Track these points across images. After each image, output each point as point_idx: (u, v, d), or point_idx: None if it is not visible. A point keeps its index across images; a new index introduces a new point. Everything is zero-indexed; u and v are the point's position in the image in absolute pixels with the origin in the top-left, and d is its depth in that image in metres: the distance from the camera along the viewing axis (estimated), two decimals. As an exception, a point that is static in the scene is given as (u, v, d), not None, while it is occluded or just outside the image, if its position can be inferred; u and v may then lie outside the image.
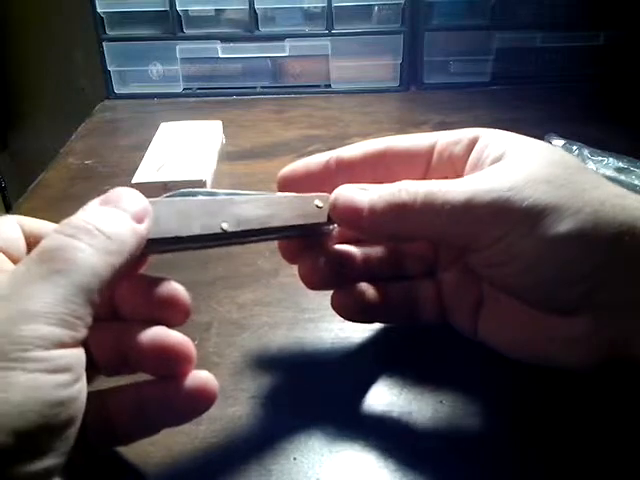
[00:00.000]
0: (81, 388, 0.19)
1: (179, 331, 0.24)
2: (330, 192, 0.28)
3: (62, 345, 0.18)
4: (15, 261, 0.23)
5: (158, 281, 0.24)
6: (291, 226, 0.27)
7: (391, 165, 0.30)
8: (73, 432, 0.19)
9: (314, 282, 0.30)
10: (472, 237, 0.26)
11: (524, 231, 0.25)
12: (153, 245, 0.23)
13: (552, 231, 0.24)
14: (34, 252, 0.20)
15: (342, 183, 0.29)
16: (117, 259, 0.20)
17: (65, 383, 0.18)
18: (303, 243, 0.30)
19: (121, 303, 0.25)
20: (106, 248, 0.20)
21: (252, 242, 0.27)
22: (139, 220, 0.22)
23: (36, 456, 0.18)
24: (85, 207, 0.22)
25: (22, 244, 0.24)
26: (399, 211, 0.26)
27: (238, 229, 0.26)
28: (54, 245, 0.20)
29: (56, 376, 0.18)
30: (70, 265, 0.19)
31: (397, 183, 0.27)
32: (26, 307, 0.18)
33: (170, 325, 0.24)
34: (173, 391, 0.23)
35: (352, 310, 0.31)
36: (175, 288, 0.24)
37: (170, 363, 0.23)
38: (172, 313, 0.24)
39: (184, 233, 0.24)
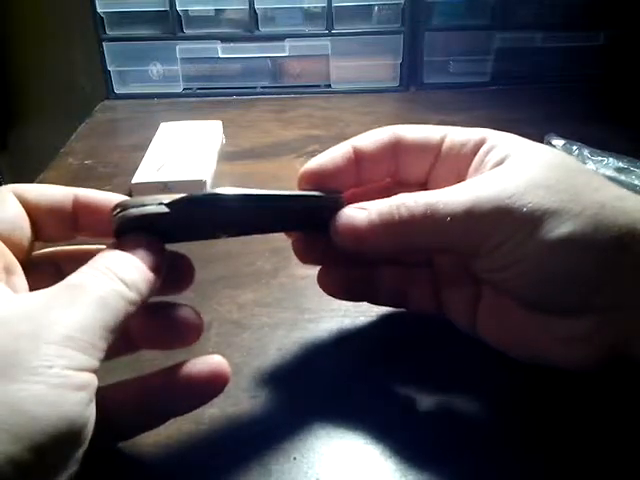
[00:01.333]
0: (93, 409, 0.20)
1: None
2: (350, 184, 0.29)
3: (81, 369, 0.19)
4: (17, 245, 0.23)
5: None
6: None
7: (401, 157, 0.30)
8: (82, 452, 0.19)
9: (306, 257, 0.30)
10: (475, 245, 0.26)
11: (525, 236, 0.25)
12: None
13: (553, 235, 0.24)
14: (62, 283, 0.21)
15: (361, 175, 0.30)
16: (132, 306, 0.21)
17: (84, 401, 0.19)
18: None
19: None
20: (124, 295, 0.21)
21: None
22: (153, 269, 0.23)
23: (52, 475, 0.18)
24: (109, 251, 0.23)
25: (24, 221, 0.24)
26: (400, 229, 0.26)
27: (236, 237, 0.26)
28: (81, 282, 0.21)
29: (77, 393, 0.18)
30: (93, 302, 0.20)
31: (395, 198, 0.26)
32: (53, 329, 0.19)
33: (176, 291, 0.26)
34: (185, 377, 0.24)
35: (336, 287, 0.31)
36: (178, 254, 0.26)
37: (180, 332, 0.24)
38: (177, 278, 0.26)
39: (182, 238, 0.25)
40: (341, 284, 0.31)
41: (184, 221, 0.24)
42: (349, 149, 0.30)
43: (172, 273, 0.25)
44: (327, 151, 0.30)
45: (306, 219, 0.28)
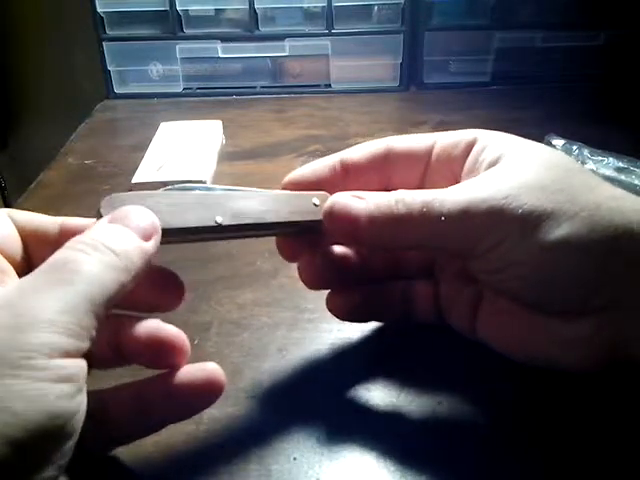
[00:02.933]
0: (82, 400, 0.19)
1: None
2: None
3: (66, 355, 0.18)
4: (10, 258, 0.23)
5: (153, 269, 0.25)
6: (287, 222, 0.27)
7: (392, 166, 0.30)
8: (72, 445, 0.19)
9: (313, 282, 0.30)
10: (470, 245, 0.26)
11: (521, 238, 0.25)
12: None
13: (549, 237, 0.24)
14: (43, 264, 0.20)
15: (348, 187, 0.29)
16: (123, 275, 0.21)
17: (68, 394, 0.18)
18: (301, 242, 0.30)
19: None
20: (113, 264, 0.20)
21: (247, 237, 0.28)
22: (146, 238, 0.22)
23: (35, 469, 0.17)
24: (94, 225, 0.22)
25: (16, 240, 0.24)
26: (396, 223, 0.26)
27: (233, 223, 0.26)
28: (63, 258, 0.20)
29: (60, 386, 0.18)
30: (78, 276, 0.19)
31: (393, 193, 0.26)
32: (33, 315, 0.18)
33: (165, 309, 0.26)
34: (179, 384, 0.23)
35: (347, 311, 0.31)
36: (166, 271, 0.26)
37: (164, 354, 0.23)
38: (167, 296, 0.26)
39: (178, 225, 0.24)
40: (350, 306, 0.31)
41: (172, 201, 0.24)
42: (335, 161, 0.30)
43: (160, 292, 0.25)
44: (312, 162, 0.30)
45: (295, 209, 0.28)
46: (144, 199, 0.23)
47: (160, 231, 0.23)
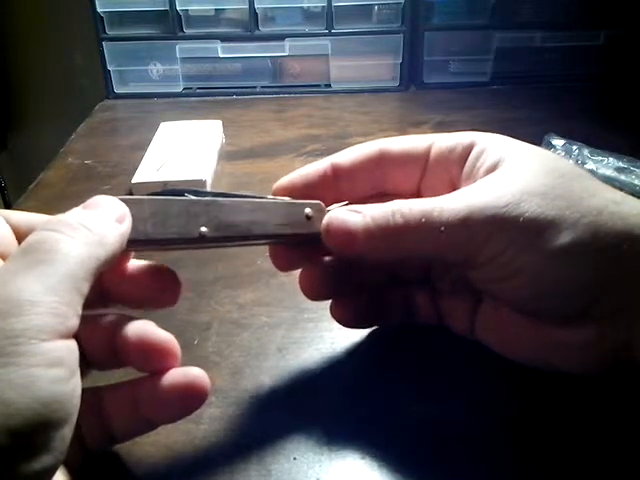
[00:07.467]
0: (76, 384, 0.19)
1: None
2: (329, 200, 0.28)
3: (55, 334, 0.18)
4: (5, 258, 0.23)
5: (147, 265, 0.25)
6: (275, 235, 0.27)
7: (387, 169, 0.30)
8: (69, 430, 0.19)
9: (314, 293, 0.30)
10: (470, 255, 0.25)
11: (523, 246, 0.24)
12: (130, 244, 0.23)
13: (551, 245, 0.24)
14: (18, 248, 0.20)
15: (341, 191, 0.29)
16: (100, 251, 0.21)
17: (60, 378, 0.18)
18: (295, 253, 0.29)
19: (109, 288, 0.25)
20: (89, 239, 0.20)
21: (234, 246, 0.27)
22: (119, 221, 0.22)
23: (32, 456, 0.17)
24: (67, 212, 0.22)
25: (12, 240, 0.24)
26: (395, 235, 0.25)
27: (217, 235, 0.25)
28: (37, 239, 0.20)
29: (51, 371, 0.18)
30: (55, 255, 0.19)
31: (390, 204, 0.26)
32: (14, 299, 0.18)
33: (161, 306, 0.25)
34: (163, 387, 0.23)
35: (349, 319, 0.31)
36: (163, 268, 0.26)
37: (154, 359, 0.23)
38: (164, 292, 0.25)
39: (159, 236, 0.24)
40: (352, 315, 0.31)
41: (155, 209, 0.24)
42: (325, 165, 0.29)
43: (157, 288, 0.25)
44: (302, 168, 0.30)
45: (286, 221, 0.27)
46: (129, 206, 0.23)
47: (130, 216, 0.23)
